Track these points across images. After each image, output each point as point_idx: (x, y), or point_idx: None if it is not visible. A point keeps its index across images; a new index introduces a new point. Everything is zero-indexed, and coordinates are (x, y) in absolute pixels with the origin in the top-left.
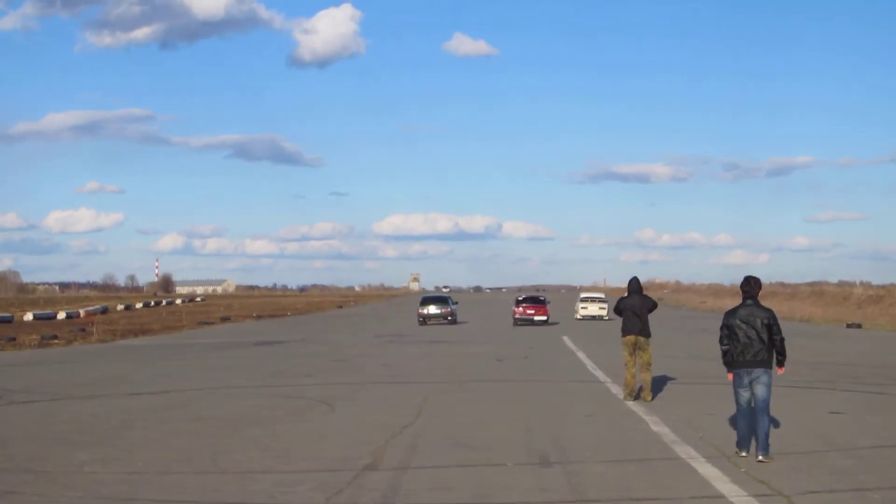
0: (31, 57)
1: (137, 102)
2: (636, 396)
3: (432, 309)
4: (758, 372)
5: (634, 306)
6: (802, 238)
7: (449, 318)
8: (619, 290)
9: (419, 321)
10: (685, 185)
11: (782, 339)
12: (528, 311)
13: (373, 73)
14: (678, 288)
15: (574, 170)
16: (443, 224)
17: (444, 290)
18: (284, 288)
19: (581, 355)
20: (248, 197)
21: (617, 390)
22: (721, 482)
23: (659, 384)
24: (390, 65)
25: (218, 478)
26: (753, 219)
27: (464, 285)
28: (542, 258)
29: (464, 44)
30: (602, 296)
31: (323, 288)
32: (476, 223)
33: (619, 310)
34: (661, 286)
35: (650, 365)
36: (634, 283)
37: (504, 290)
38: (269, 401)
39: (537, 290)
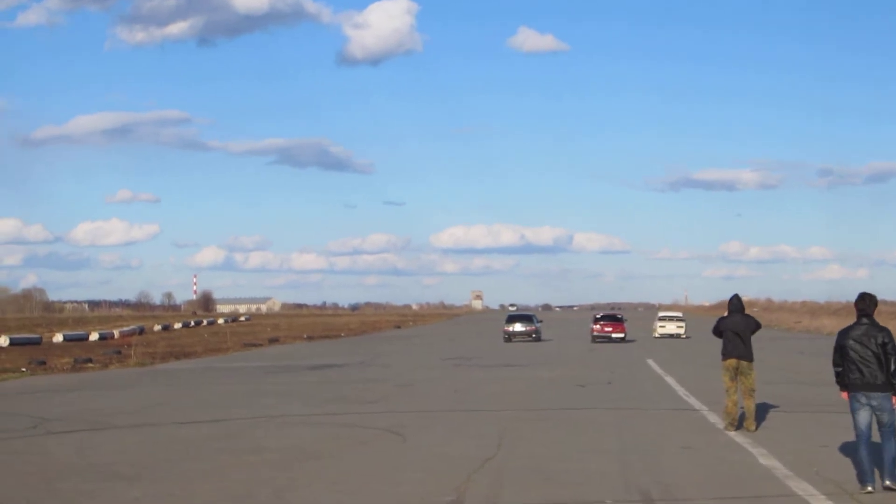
0: (56, 55)
1: (173, 104)
2: (738, 426)
3: (518, 327)
4: (877, 397)
5: (737, 327)
6: None
7: (534, 335)
8: (701, 308)
9: (504, 338)
10: (775, 192)
11: None
12: (606, 329)
13: (430, 72)
14: (769, 306)
15: (652, 176)
16: (507, 236)
17: (510, 308)
18: (335, 306)
19: (670, 380)
20: (294, 207)
21: (716, 419)
22: None
23: (761, 412)
24: (450, 62)
25: None
26: (851, 230)
27: (531, 303)
28: (617, 273)
29: (530, 38)
30: (680, 314)
31: (377, 306)
32: (544, 235)
33: (718, 330)
34: (750, 304)
35: (754, 391)
36: (736, 302)
37: (576, 307)
38: (331, 430)
39: (612, 308)
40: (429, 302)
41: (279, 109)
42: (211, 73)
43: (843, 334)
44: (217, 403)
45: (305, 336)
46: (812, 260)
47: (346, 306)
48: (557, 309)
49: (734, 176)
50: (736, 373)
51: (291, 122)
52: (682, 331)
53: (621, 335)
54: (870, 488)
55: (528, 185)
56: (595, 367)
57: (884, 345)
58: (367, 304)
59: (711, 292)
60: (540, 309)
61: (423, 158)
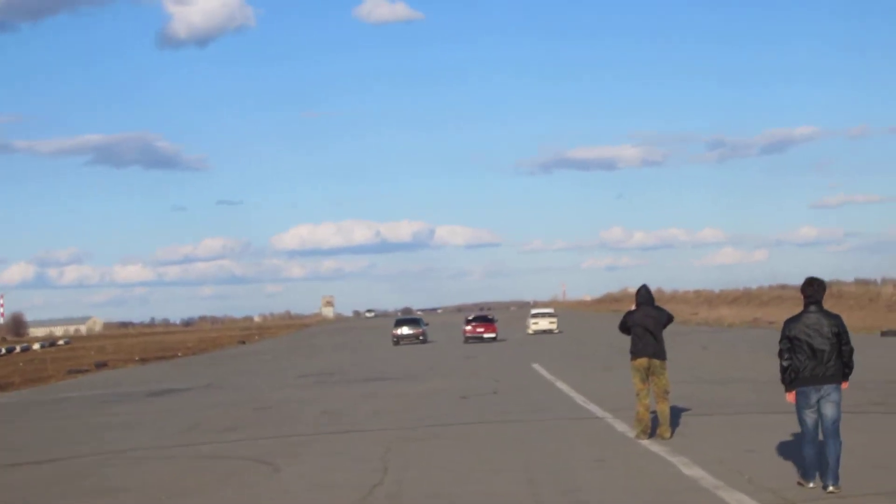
0: None
1: None
2: (651, 433)
3: (405, 330)
4: (828, 388)
5: (646, 322)
6: (808, 228)
7: (420, 337)
8: (581, 304)
9: (393, 342)
10: (660, 170)
11: (851, 350)
12: (478, 330)
13: (266, 51)
14: (659, 297)
15: (522, 158)
16: (360, 234)
17: (367, 314)
18: (166, 322)
19: (562, 385)
20: (114, 212)
21: (624, 427)
22: None
23: (673, 417)
24: (287, 39)
25: None
26: (746, 208)
27: (390, 307)
28: (486, 270)
29: (379, 7)
30: (551, 310)
31: (214, 320)
32: (402, 231)
33: (626, 326)
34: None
35: (668, 393)
36: (644, 293)
37: (440, 310)
38: (191, 463)
39: (482, 309)
40: (273, 312)
41: (94, 101)
42: (12, 61)
43: (793, 323)
44: (53, 440)
45: (138, 358)
46: (704, 244)
47: (178, 322)
48: (419, 313)
49: (614, 153)
50: (647, 373)
51: (109, 116)
52: (554, 326)
53: (493, 335)
54: (811, 484)
55: (382, 177)
56: (475, 375)
57: (837, 333)
58: (203, 319)
59: (593, 285)
60: (399, 314)
61: (262, 151)
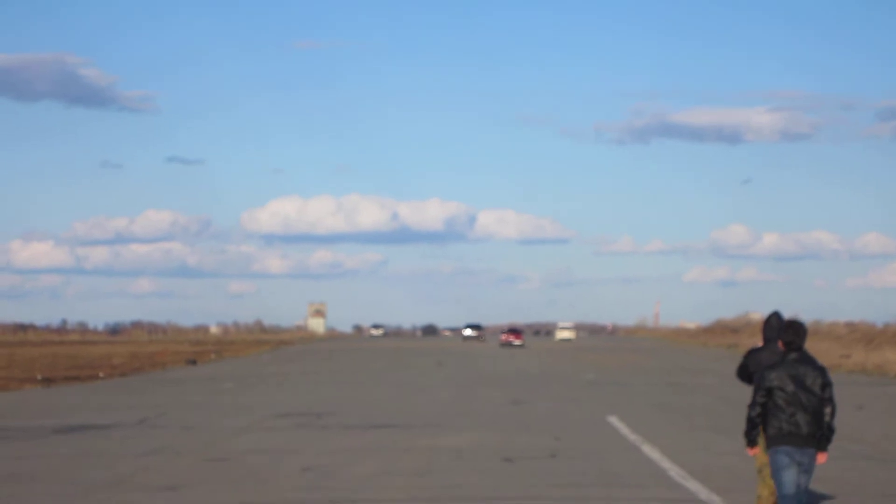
0: None
1: None
2: None
3: (468, 332)
4: (808, 453)
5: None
6: None
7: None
8: (682, 332)
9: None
10: (807, 146)
11: (834, 409)
12: (510, 338)
13: None
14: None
15: (605, 121)
16: (369, 216)
17: (373, 331)
18: (83, 327)
19: (649, 450)
20: (16, 166)
21: None
22: None
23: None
24: None
25: None
26: None
27: (405, 323)
28: (548, 276)
29: None
30: (571, 324)
31: (153, 328)
32: (429, 214)
33: (747, 372)
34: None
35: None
36: (776, 324)
37: (472, 332)
38: None
39: (536, 333)
40: (238, 321)
41: None
42: None
43: (773, 372)
44: None
45: (40, 378)
46: (865, 255)
47: (101, 328)
48: (447, 333)
49: (740, 119)
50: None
51: (14, 29)
52: (573, 336)
53: (521, 342)
54: None
55: (404, 135)
56: (526, 428)
57: (823, 386)
58: (137, 325)
59: (700, 306)
60: (418, 333)
61: (235, 90)
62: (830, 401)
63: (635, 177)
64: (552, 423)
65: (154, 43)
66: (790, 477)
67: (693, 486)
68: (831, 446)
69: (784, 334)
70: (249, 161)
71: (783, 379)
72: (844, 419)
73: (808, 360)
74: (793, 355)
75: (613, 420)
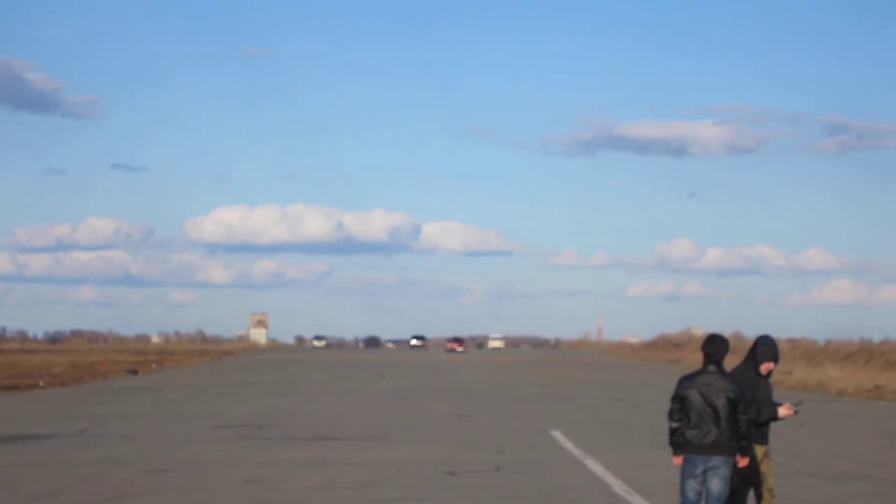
0: None
1: None
2: None
3: (415, 342)
4: (717, 461)
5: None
6: None
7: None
8: (625, 346)
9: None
10: (752, 160)
11: (749, 420)
12: (454, 345)
13: None
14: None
15: (552, 133)
16: (314, 225)
17: (315, 342)
18: (22, 335)
19: (593, 465)
20: None
21: None
22: None
23: None
24: None
25: None
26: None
27: (349, 334)
28: (492, 289)
29: None
30: (501, 335)
31: (93, 337)
32: (374, 225)
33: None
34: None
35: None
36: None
37: (415, 342)
38: None
39: (480, 346)
40: (180, 331)
41: None
42: None
43: (686, 382)
44: None
45: None
46: (807, 271)
47: (40, 336)
48: (390, 345)
49: (686, 131)
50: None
51: None
52: (501, 345)
53: (462, 349)
54: None
55: (351, 145)
56: (469, 442)
57: (733, 401)
58: (77, 334)
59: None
60: (360, 345)
61: (180, 96)
62: (745, 413)
63: (581, 189)
64: (496, 436)
65: (98, 48)
66: (693, 486)
67: (637, 500)
68: (776, 464)
69: (705, 346)
70: (193, 168)
71: (692, 390)
72: (786, 436)
73: (723, 374)
74: (710, 367)
75: (557, 434)
